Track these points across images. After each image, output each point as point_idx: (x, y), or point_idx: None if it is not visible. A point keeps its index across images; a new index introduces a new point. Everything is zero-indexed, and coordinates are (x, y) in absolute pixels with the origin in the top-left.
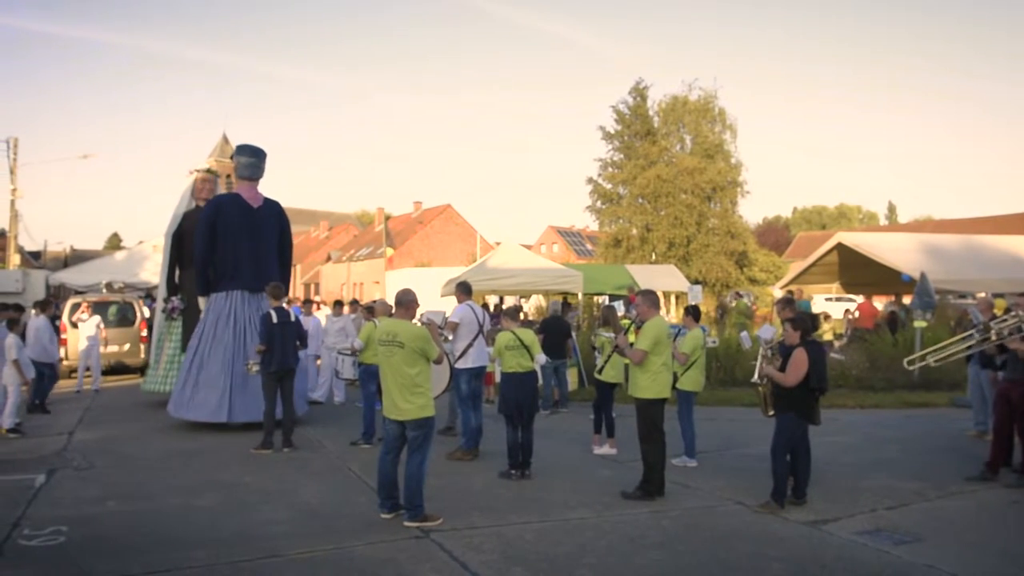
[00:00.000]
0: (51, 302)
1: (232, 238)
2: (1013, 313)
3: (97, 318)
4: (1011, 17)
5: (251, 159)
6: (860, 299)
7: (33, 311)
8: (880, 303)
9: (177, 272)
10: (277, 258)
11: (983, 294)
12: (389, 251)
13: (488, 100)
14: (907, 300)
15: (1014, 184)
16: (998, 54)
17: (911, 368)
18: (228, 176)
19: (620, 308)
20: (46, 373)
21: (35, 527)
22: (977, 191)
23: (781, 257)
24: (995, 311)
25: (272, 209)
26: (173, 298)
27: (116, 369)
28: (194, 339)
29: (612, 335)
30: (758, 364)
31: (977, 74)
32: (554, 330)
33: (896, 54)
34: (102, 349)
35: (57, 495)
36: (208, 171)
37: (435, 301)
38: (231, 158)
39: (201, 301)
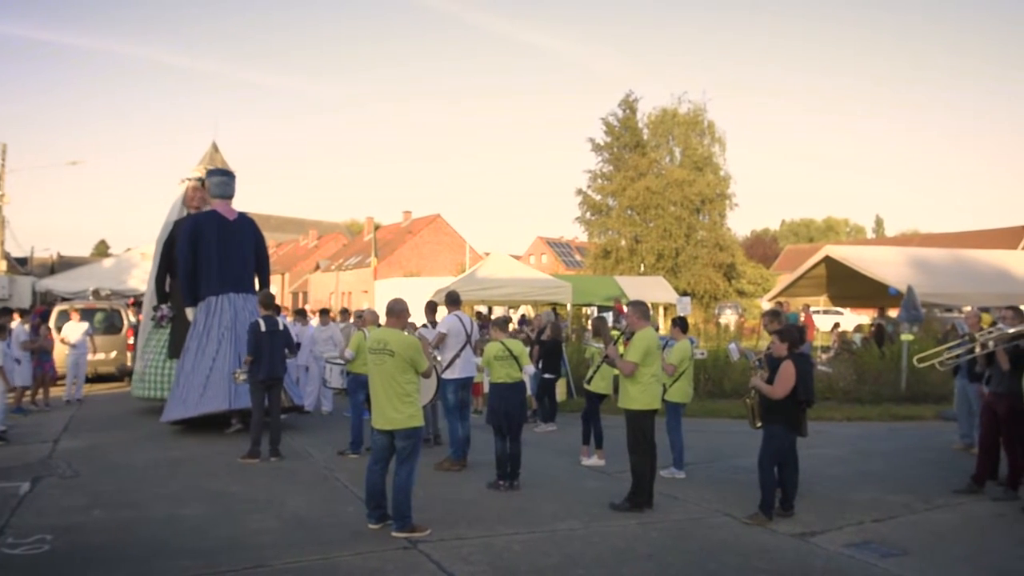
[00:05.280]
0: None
1: (213, 249)
2: (999, 326)
3: (85, 325)
4: (999, 32)
5: (223, 178)
6: (846, 312)
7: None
8: (863, 316)
9: (168, 280)
10: (255, 264)
11: (969, 308)
12: (374, 261)
13: (478, 111)
14: (894, 313)
15: (1000, 198)
16: (986, 68)
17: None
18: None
19: (610, 319)
20: None
21: (19, 535)
22: (964, 205)
23: (769, 269)
24: (982, 324)
25: (246, 222)
26: (163, 306)
27: (103, 377)
28: (188, 345)
29: (602, 346)
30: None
31: (965, 88)
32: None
33: (883, 67)
34: (89, 357)
35: (42, 503)
36: (200, 180)
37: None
38: (203, 181)
39: (189, 312)
